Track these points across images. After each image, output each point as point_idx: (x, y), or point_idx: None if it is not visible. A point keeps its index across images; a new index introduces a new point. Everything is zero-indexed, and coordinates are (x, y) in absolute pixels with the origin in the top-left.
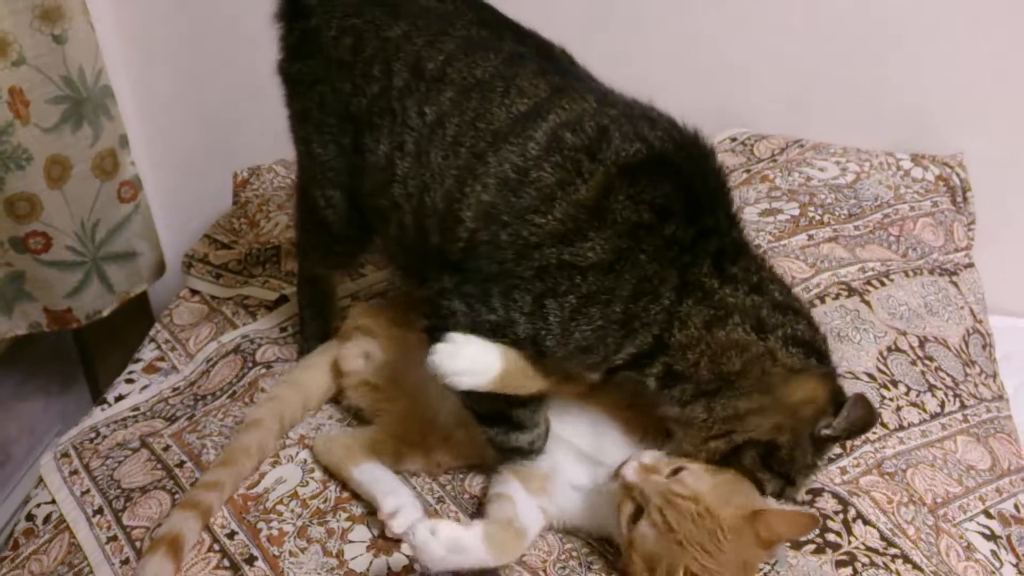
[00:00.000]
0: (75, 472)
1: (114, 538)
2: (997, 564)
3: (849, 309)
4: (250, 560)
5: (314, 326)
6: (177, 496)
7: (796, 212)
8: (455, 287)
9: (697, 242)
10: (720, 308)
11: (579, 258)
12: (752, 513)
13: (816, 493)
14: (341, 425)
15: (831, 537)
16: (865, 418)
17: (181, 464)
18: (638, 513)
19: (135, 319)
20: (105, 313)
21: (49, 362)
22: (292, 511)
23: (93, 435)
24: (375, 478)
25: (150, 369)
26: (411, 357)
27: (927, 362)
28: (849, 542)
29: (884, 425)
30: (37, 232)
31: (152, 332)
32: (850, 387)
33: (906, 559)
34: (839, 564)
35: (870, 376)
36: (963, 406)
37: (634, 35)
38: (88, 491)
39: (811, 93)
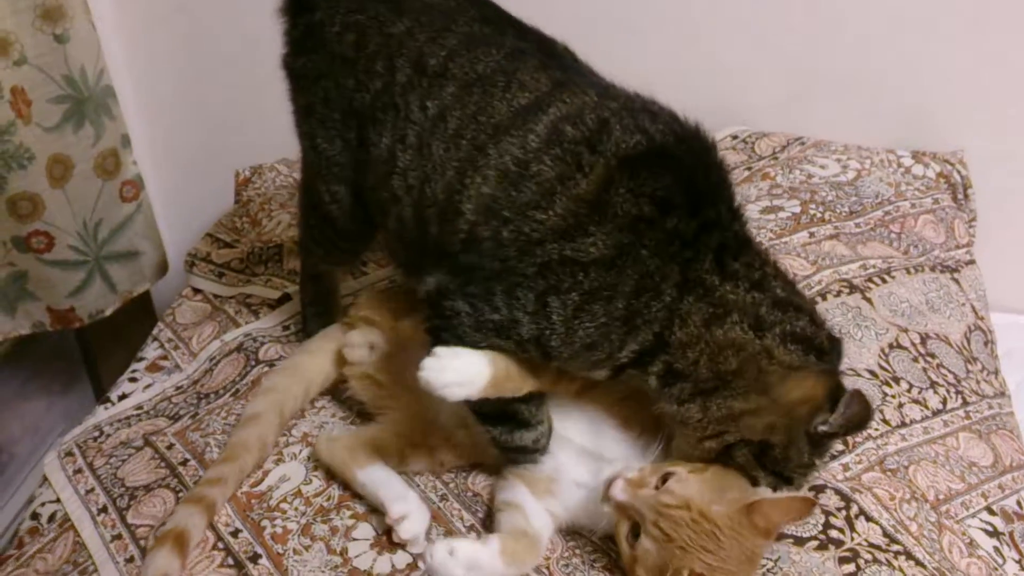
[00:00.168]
0: (79, 471)
1: (118, 536)
2: (1000, 560)
3: (850, 306)
4: (254, 558)
5: (317, 324)
6: (181, 494)
7: (797, 209)
8: (458, 287)
9: (699, 236)
10: (720, 306)
11: (581, 254)
12: (746, 506)
13: (819, 489)
14: (344, 423)
15: (834, 533)
16: (861, 414)
17: (185, 462)
18: (635, 528)
19: (138, 318)
20: (108, 312)
21: (52, 361)
22: (296, 509)
23: (97, 434)
24: (381, 481)
25: (153, 368)
26: (413, 355)
27: (929, 359)
28: (852, 538)
29: (886, 422)
30: (39, 232)
31: (155, 331)
32: (851, 384)
33: (909, 555)
34: (842, 560)
35: (872, 373)
36: (965, 403)
37: (635, 34)
38: (92, 490)
39: (812, 91)
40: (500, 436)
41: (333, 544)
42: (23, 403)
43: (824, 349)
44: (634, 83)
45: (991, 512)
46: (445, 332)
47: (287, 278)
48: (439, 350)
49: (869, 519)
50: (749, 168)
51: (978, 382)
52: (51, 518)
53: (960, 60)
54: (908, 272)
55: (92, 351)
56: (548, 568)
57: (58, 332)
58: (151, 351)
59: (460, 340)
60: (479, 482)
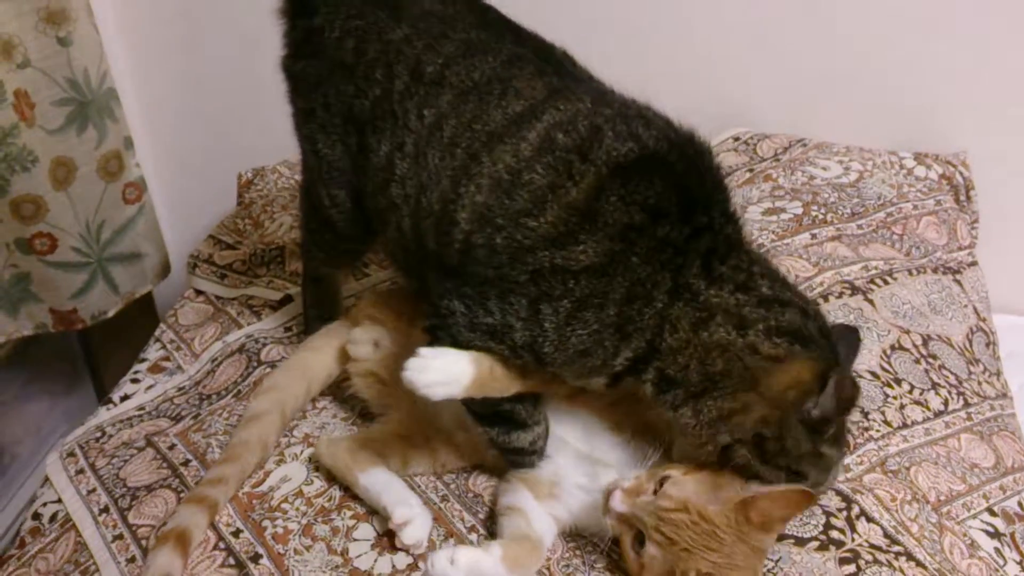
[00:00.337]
0: (81, 471)
1: (120, 536)
2: (1001, 562)
3: (852, 308)
4: (255, 558)
5: (318, 326)
6: (183, 495)
7: (799, 211)
8: (455, 288)
9: (689, 242)
10: (705, 309)
11: (571, 262)
12: (740, 503)
13: None
14: (345, 424)
15: (835, 534)
16: (849, 391)
17: (186, 463)
18: (639, 537)
19: (140, 320)
20: (110, 314)
21: (54, 363)
22: (297, 509)
23: (99, 434)
24: (384, 486)
25: (155, 369)
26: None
27: (931, 360)
28: (853, 539)
29: (888, 423)
30: (43, 233)
31: (157, 332)
32: None
33: (909, 556)
34: (843, 561)
35: (873, 374)
36: (967, 404)
37: (635, 36)
38: (94, 490)
39: (814, 92)
40: (497, 437)
41: (334, 544)
42: (25, 404)
43: (811, 337)
44: (635, 86)
45: (992, 513)
46: (440, 331)
47: (289, 280)
48: (422, 350)
49: (870, 520)
50: (751, 170)
51: (980, 383)
52: (53, 518)
53: (962, 61)
54: (910, 273)
55: (94, 352)
56: (548, 569)
57: (60, 333)
58: (153, 352)
59: (454, 340)
60: (480, 483)
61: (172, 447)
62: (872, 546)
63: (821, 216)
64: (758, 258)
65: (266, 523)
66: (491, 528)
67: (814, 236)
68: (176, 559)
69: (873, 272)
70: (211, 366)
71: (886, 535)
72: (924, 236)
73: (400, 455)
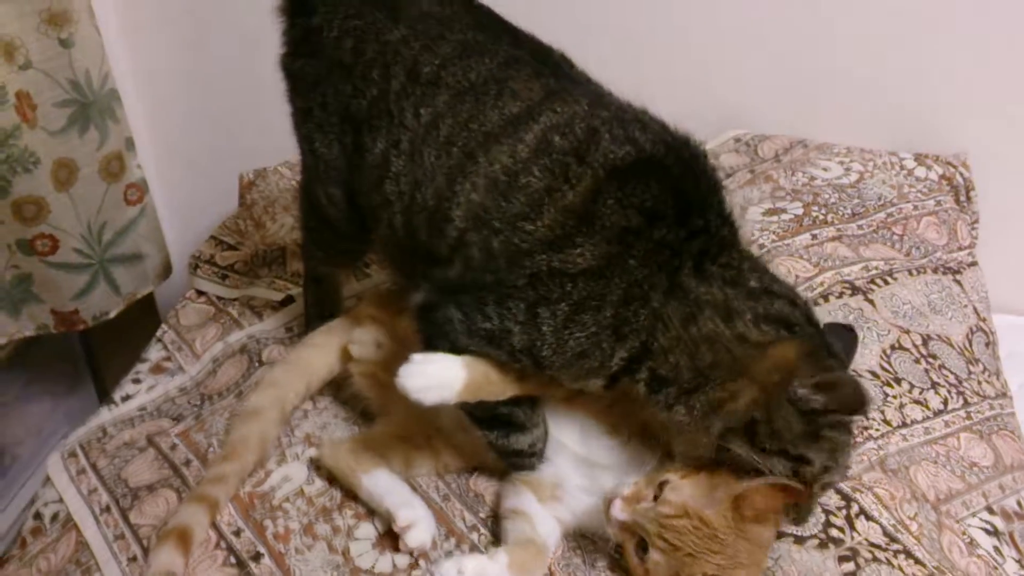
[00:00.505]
0: (82, 471)
1: (121, 536)
2: (1000, 560)
3: (853, 308)
4: (256, 557)
5: (319, 326)
6: (184, 494)
7: (800, 211)
8: (451, 295)
9: (683, 244)
10: (694, 306)
11: (569, 265)
12: (733, 500)
13: None
14: (346, 424)
15: (834, 532)
16: (835, 367)
17: (188, 463)
18: (642, 543)
19: (141, 320)
20: (112, 314)
21: (56, 363)
22: (298, 508)
23: (100, 434)
24: (387, 488)
25: (157, 369)
26: None
27: (930, 360)
28: (852, 537)
29: (887, 422)
30: (44, 234)
31: (159, 333)
32: None
33: (908, 555)
34: (842, 559)
35: (873, 374)
36: (966, 403)
37: (635, 38)
38: (95, 490)
39: (814, 93)
40: (496, 440)
41: (335, 544)
42: (27, 405)
43: (798, 323)
44: (635, 88)
45: (991, 512)
46: (438, 339)
47: (290, 280)
48: (415, 356)
49: (869, 518)
50: (752, 171)
51: (979, 383)
52: (54, 518)
53: (963, 62)
54: (910, 274)
55: (96, 353)
56: (549, 568)
57: (62, 334)
58: (154, 353)
59: (453, 346)
60: (481, 483)
61: (173, 447)
62: (871, 544)
63: (822, 216)
64: (749, 256)
65: (267, 522)
66: (493, 527)
67: (815, 236)
68: (178, 557)
69: (873, 272)
70: (212, 366)
71: (885, 533)
72: (924, 236)
73: (403, 456)
